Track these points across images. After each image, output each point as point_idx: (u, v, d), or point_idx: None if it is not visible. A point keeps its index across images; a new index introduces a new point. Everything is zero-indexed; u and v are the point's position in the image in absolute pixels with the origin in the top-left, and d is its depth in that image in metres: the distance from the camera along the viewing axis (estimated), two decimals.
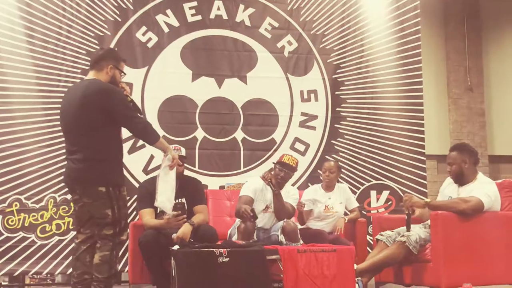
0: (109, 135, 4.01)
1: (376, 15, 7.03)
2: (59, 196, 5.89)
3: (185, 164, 5.37)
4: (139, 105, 5.93)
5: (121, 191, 4.03)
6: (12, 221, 5.82)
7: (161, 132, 6.25)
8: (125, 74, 4.26)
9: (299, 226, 5.23)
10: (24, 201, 5.86)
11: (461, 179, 4.85)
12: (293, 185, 5.92)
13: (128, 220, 5.69)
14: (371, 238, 5.81)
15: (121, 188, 4.03)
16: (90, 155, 3.95)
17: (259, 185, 5.23)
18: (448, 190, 4.95)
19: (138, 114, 4.15)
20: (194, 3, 6.57)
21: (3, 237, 5.79)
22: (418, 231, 4.76)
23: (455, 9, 8.89)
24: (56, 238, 5.88)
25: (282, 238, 4.83)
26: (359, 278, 4.68)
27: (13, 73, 6.00)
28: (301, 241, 4.89)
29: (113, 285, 4.03)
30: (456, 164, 4.85)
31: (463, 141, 7.52)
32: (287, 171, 5.19)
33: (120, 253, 5.74)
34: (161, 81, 6.37)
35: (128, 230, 5.26)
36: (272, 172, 5.21)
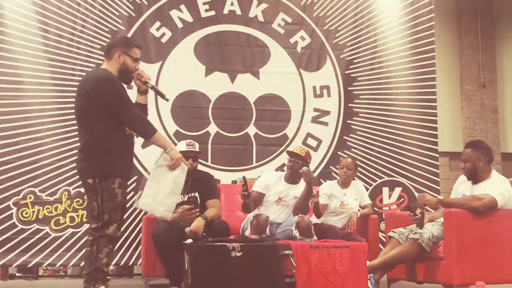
0: (103, 126, 3.87)
1: (389, 11, 7.02)
2: (73, 189, 5.94)
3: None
4: (153, 101, 6.00)
5: (109, 183, 3.84)
6: (26, 213, 5.88)
7: (174, 127, 6.30)
8: (138, 59, 4.06)
9: (313, 221, 5.24)
10: (38, 193, 5.91)
11: (475, 177, 4.83)
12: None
13: (141, 214, 5.81)
14: (383, 235, 5.81)
15: (109, 179, 3.84)
16: (84, 146, 3.92)
17: (272, 179, 5.26)
18: (462, 188, 4.93)
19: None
20: None
21: (17, 229, 5.85)
22: (431, 229, 4.76)
23: (468, 5, 8.84)
24: (70, 230, 5.94)
25: (296, 233, 4.83)
26: (371, 274, 4.69)
27: (27, 67, 6.06)
28: (315, 237, 4.90)
29: (99, 280, 3.83)
30: (470, 162, 4.83)
31: (477, 138, 7.48)
32: (295, 160, 5.19)
33: (133, 246, 5.89)
34: (174, 76, 6.39)
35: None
36: (285, 168, 5.21)
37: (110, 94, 3.85)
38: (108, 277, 3.92)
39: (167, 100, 4.32)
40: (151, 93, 4.23)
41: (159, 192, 4.01)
